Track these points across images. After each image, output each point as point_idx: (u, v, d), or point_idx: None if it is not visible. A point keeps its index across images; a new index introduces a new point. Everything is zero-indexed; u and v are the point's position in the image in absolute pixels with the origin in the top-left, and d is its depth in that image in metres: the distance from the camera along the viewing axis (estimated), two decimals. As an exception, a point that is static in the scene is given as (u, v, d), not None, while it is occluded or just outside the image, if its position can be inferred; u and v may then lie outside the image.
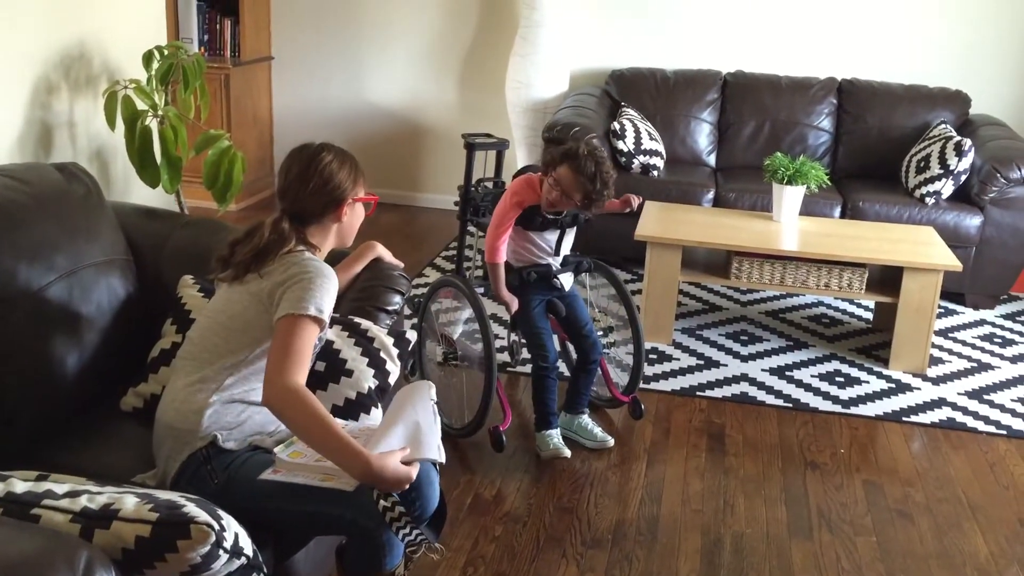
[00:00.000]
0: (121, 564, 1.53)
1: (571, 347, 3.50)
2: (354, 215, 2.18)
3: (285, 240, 2.06)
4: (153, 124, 3.61)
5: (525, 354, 3.72)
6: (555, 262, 3.14)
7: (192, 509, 1.60)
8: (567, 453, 3.12)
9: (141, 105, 3.56)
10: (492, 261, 3.08)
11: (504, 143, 3.91)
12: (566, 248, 3.17)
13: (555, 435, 3.15)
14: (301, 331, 1.91)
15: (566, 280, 3.18)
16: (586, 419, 3.28)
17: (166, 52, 3.71)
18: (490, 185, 3.80)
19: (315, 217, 2.12)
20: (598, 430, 3.26)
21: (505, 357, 3.79)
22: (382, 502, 1.84)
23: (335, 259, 2.51)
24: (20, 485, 1.65)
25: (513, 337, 3.72)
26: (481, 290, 3.27)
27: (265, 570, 1.74)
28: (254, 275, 2.04)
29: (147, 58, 3.68)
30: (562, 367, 3.43)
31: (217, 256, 2.11)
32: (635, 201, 3.27)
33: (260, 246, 2.04)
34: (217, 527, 1.59)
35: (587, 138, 3.04)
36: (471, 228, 3.91)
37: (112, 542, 1.55)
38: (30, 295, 2.16)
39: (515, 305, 3.13)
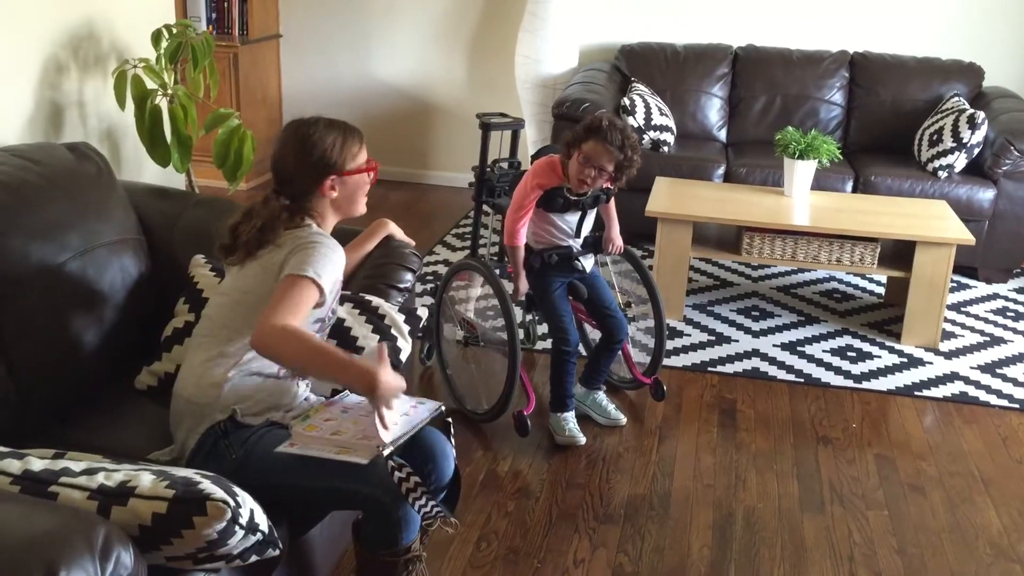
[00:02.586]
0: (138, 540, 1.54)
1: (588, 329, 3.50)
2: (347, 188, 2.12)
3: (280, 215, 2.05)
4: (163, 103, 3.61)
5: (543, 330, 3.72)
6: (576, 244, 3.12)
7: (208, 486, 1.62)
8: (582, 440, 3.11)
9: (150, 84, 3.56)
10: (512, 244, 3.06)
11: (520, 122, 3.88)
12: (586, 230, 3.15)
13: (571, 419, 3.15)
14: (298, 287, 1.93)
15: (587, 262, 3.17)
16: (601, 395, 3.28)
17: (174, 31, 3.71)
18: (505, 165, 3.79)
19: (306, 191, 2.09)
20: (612, 407, 3.27)
21: (520, 336, 3.79)
22: (397, 473, 1.85)
23: (346, 237, 2.52)
24: (37, 463, 1.66)
25: (528, 316, 3.72)
26: (497, 271, 3.26)
27: (280, 546, 1.75)
28: (265, 250, 2.04)
29: (156, 37, 3.67)
30: (581, 349, 3.43)
31: (219, 244, 2.11)
32: (616, 250, 3.24)
33: (260, 225, 2.04)
34: (233, 504, 1.60)
35: (600, 112, 3.02)
36: (486, 208, 3.89)
37: (129, 519, 1.57)
38: (43, 274, 2.17)
39: (523, 289, 3.12)
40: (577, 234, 3.12)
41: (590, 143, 2.88)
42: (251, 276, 2.05)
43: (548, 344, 3.18)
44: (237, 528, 1.61)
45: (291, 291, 1.92)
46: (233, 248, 2.08)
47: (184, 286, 2.42)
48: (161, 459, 2.02)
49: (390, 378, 1.86)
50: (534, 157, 3.25)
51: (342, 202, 2.13)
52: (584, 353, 3.45)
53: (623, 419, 3.25)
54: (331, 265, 2.00)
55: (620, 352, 3.29)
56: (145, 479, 1.62)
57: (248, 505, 1.64)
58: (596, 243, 3.19)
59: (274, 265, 2.01)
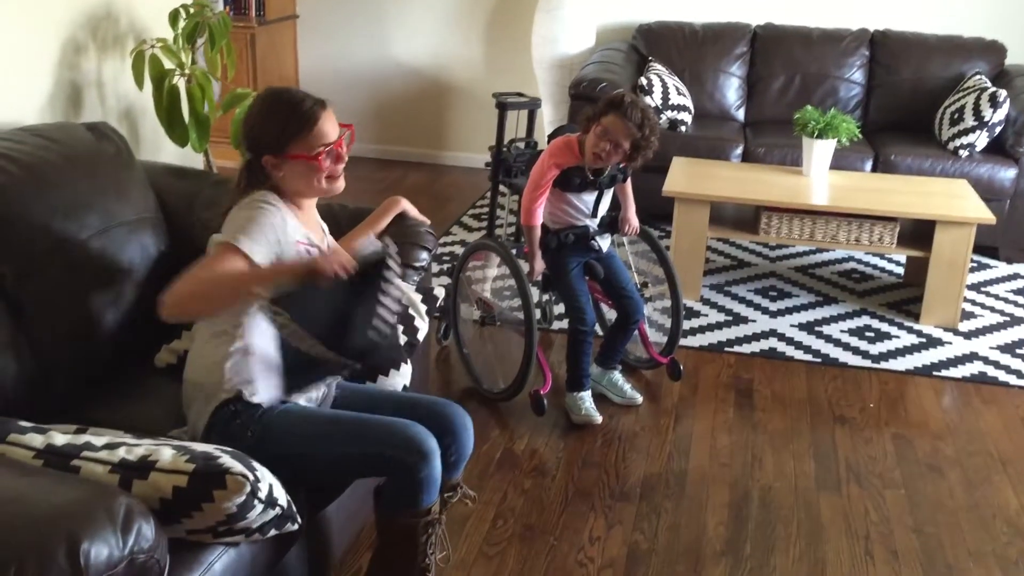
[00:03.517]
0: (159, 513, 1.56)
1: (605, 308, 3.49)
2: (293, 169, 1.99)
3: (254, 181, 2.00)
4: (180, 83, 3.62)
5: (559, 310, 3.72)
6: (593, 224, 3.12)
7: (228, 460, 1.64)
8: (598, 419, 3.12)
9: (168, 64, 3.57)
10: (529, 224, 3.05)
11: (536, 102, 3.86)
12: (603, 210, 3.14)
13: (587, 398, 3.16)
14: (221, 254, 1.85)
15: (604, 242, 3.16)
16: (617, 375, 3.29)
17: (192, 11, 3.71)
18: (522, 145, 3.78)
19: (258, 159, 2.00)
20: (628, 387, 3.27)
21: (536, 315, 3.79)
22: None
23: (358, 216, 2.52)
24: (60, 438, 1.69)
25: (544, 296, 3.72)
26: (514, 251, 3.26)
27: (299, 520, 1.77)
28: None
29: (173, 17, 3.68)
30: (597, 329, 3.44)
31: (222, 212, 2.05)
32: (633, 230, 3.23)
33: (237, 192, 2.02)
34: (252, 478, 1.62)
35: (622, 89, 3.00)
36: (503, 189, 3.89)
37: (150, 492, 1.59)
38: (63, 253, 2.19)
39: (539, 269, 3.11)
40: (594, 214, 3.11)
41: (609, 117, 2.87)
42: None
43: (564, 324, 3.18)
44: (256, 502, 1.63)
45: (212, 258, 1.85)
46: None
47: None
48: (182, 438, 2.04)
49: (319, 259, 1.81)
50: (550, 137, 3.24)
51: (292, 181, 2.01)
52: (600, 333, 3.45)
53: (639, 398, 3.25)
54: (260, 231, 1.88)
55: (636, 332, 3.29)
56: (166, 453, 1.64)
57: (267, 480, 1.66)
58: (613, 223, 3.18)
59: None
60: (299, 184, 2.02)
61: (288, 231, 1.96)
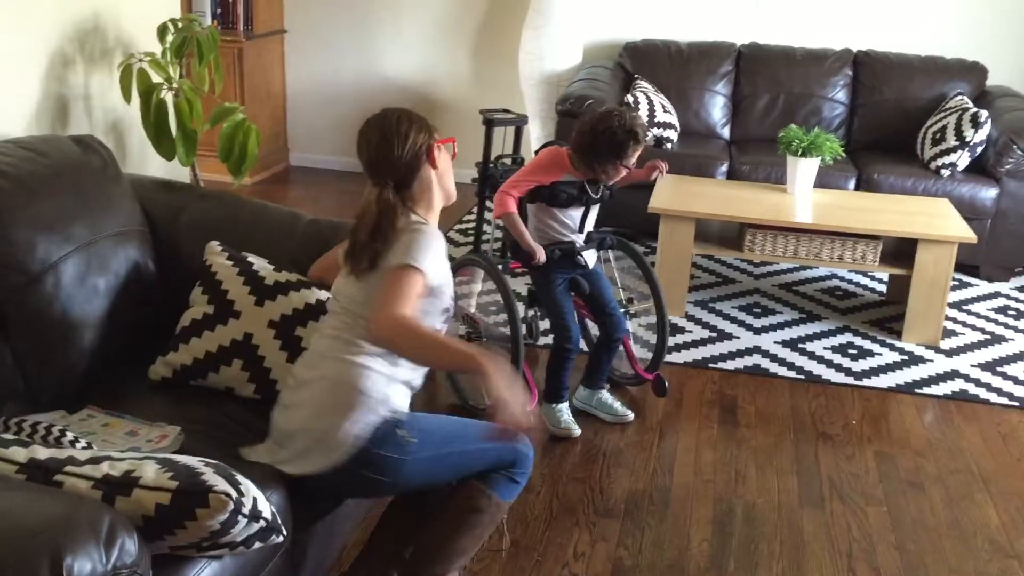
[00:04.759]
0: (142, 531, 1.56)
1: (590, 324, 3.51)
2: (445, 159, 2.17)
3: (394, 209, 2.06)
4: (168, 97, 3.63)
5: (545, 325, 3.73)
6: (579, 239, 3.13)
7: (211, 477, 1.63)
8: (577, 432, 3.13)
9: (156, 78, 3.57)
10: (505, 211, 3.02)
11: (523, 119, 3.88)
12: (590, 225, 3.16)
13: (565, 410, 3.17)
14: (402, 276, 1.98)
15: (590, 257, 3.18)
16: (606, 394, 3.29)
17: (180, 25, 3.72)
18: (508, 161, 3.79)
19: (414, 174, 2.10)
20: (618, 404, 3.28)
21: (522, 331, 3.79)
22: None
23: (347, 232, 2.52)
24: (43, 452, 1.68)
25: (530, 312, 3.73)
26: (500, 267, 3.27)
27: (284, 532, 1.77)
28: (382, 257, 2.03)
29: (161, 31, 3.68)
30: (582, 345, 3.45)
31: (344, 253, 2.11)
32: (663, 167, 3.27)
33: (373, 224, 2.05)
34: (235, 495, 1.62)
35: (609, 124, 3.00)
36: (489, 204, 3.90)
37: (133, 509, 1.58)
38: (48, 265, 2.18)
39: (541, 254, 3.05)
40: (580, 229, 3.13)
41: (631, 152, 2.94)
42: (375, 287, 2.03)
43: (550, 340, 3.19)
44: (240, 518, 1.63)
45: (394, 280, 1.98)
46: (355, 253, 2.07)
47: (200, 275, 2.40)
48: (260, 458, 2.03)
49: (502, 370, 1.94)
50: (538, 152, 3.26)
51: (443, 176, 2.16)
52: (586, 349, 3.46)
53: (630, 415, 3.26)
54: (430, 252, 2.03)
55: (621, 348, 3.30)
56: (149, 469, 1.64)
57: (251, 494, 1.66)
58: (601, 240, 3.20)
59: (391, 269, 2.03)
60: (446, 178, 2.22)
61: None
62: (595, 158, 2.97)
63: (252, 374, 2.27)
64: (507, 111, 3.90)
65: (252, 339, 2.28)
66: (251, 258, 2.41)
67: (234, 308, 2.31)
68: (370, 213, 2.06)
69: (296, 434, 2.02)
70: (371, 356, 2.02)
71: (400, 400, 2.07)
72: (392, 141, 2.08)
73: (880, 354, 3.85)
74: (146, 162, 3.80)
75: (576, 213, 3.10)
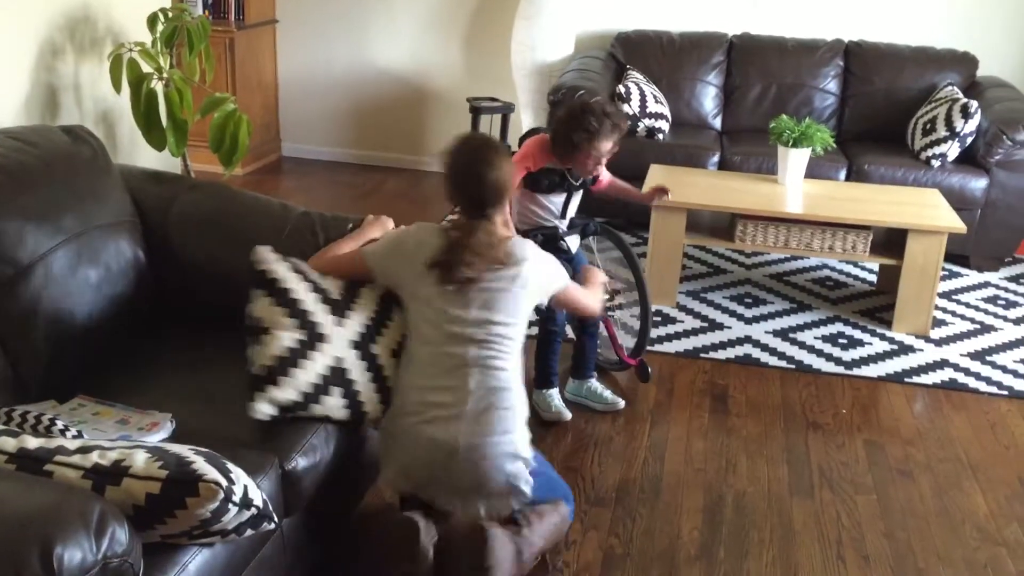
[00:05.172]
0: (133, 520, 1.56)
1: None
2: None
3: (495, 234, 2.30)
4: (158, 87, 3.62)
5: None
6: (562, 225, 3.15)
7: (201, 465, 1.63)
8: (568, 416, 3.15)
9: (146, 68, 3.56)
10: None
11: (509, 106, 3.89)
12: (572, 211, 3.18)
13: (555, 395, 3.18)
14: (576, 288, 2.54)
15: (572, 243, 3.19)
16: (595, 383, 3.31)
17: (170, 15, 3.71)
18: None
19: (507, 196, 2.37)
20: (608, 393, 3.29)
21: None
22: None
23: (336, 224, 2.52)
24: (32, 441, 1.68)
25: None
26: None
27: (275, 519, 1.78)
28: (492, 272, 2.27)
29: (152, 20, 3.67)
30: (568, 331, 3.45)
31: (440, 265, 2.26)
32: (668, 192, 3.42)
33: (481, 248, 2.25)
34: (225, 484, 1.62)
35: (585, 111, 3.02)
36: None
37: (123, 498, 1.58)
38: (39, 257, 2.18)
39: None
40: (563, 215, 3.15)
41: (597, 143, 2.95)
42: (502, 299, 2.31)
43: (535, 330, 3.20)
44: (230, 506, 1.63)
45: (578, 292, 2.55)
46: (450, 270, 2.24)
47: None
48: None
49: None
50: (523, 138, 3.28)
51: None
52: (570, 334, 3.48)
53: (621, 402, 3.27)
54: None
55: (607, 334, 3.31)
56: (139, 458, 1.64)
57: (242, 482, 1.67)
58: (584, 227, 3.22)
59: (525, 280, 2.31)
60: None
61: None
62: (567, 148, 3.00)
63: (348, 402, 2.20)
64: (494, 99, 3.90)
65: (343, 362, 2.19)
66: (302, 265, 2.29)
67: (320, 331, 2.18)
68: (476, 239, 2.28)
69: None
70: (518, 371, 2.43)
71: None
72: (495, 169, 2.38)
73: (870, 344, 3.86)
74: (136, 152, 3.80)
75: (558, 199, 3.12)
